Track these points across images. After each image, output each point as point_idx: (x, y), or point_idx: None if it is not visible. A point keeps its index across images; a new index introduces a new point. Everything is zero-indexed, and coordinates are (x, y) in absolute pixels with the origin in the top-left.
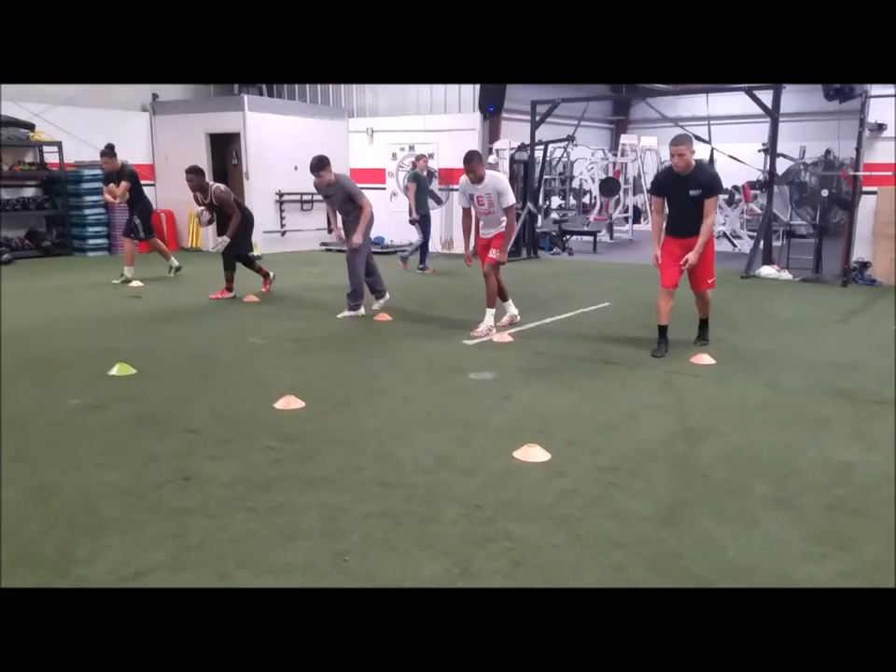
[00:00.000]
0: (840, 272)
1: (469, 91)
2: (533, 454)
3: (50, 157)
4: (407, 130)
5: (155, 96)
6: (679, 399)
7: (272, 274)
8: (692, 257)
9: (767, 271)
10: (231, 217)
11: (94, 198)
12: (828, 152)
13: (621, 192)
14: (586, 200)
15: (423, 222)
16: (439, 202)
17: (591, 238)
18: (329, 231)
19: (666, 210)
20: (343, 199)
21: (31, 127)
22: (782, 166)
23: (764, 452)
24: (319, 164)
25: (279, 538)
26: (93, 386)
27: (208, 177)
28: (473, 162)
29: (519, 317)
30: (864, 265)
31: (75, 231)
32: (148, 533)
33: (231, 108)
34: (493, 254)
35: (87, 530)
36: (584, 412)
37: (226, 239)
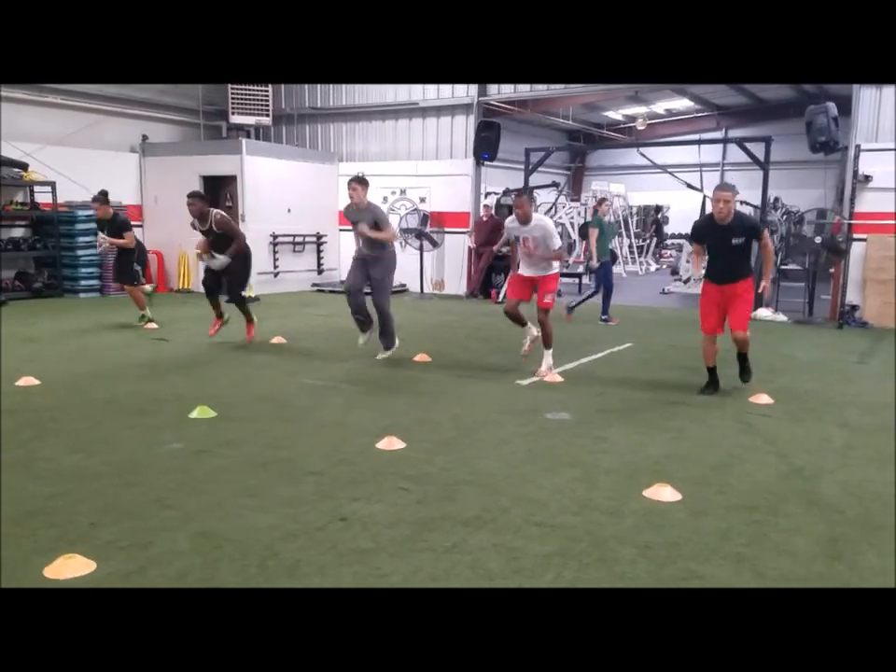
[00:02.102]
0: (830, 314)
1: (461, 138)
2: (664, 493)
3: (40, 196)
4: (399, 174)
5: (145, 137)
6: (769, 439)
7: (255, 320)
8: (767, 284)
9: (763, 313)
10: (234, 241)
11: (87, 239)
12: (776, 199)
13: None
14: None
15: (604, 270)
16: (434, 244)
17: (569, 279)
18: (320, 273)
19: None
20: (370, 225)
21: (24, 167)
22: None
23: (880, 488)
24: (361, 179)
25: (498, 578)
26: (183, 430)
27: None
28: (522, 198)
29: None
30: (854, 308)
31: (66, 273)
32: (347, 574)
33: (228, 151)
34: (547, 299)
35: (285, 573)
36: (686, 452)
37: (226, 259)
